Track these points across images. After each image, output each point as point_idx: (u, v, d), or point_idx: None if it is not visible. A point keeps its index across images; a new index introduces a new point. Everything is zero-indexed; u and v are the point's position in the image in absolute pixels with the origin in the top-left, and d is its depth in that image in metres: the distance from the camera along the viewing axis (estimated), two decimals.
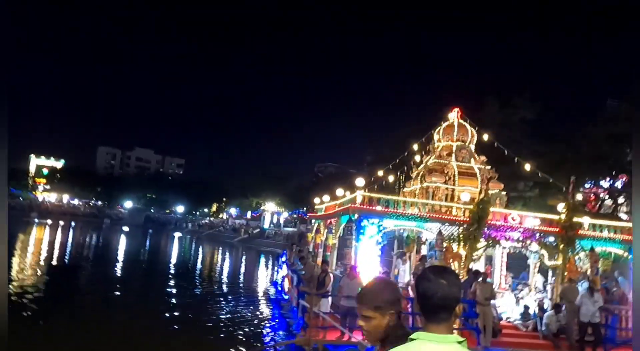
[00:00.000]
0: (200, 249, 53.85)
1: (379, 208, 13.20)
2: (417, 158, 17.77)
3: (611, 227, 14.51)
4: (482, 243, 13.36)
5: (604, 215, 28.65)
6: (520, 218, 13.85)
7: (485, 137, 17.72)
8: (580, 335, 12.04)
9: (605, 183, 34.65)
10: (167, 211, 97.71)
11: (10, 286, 17.70)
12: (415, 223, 13.44)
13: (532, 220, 13.96)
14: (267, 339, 14.11)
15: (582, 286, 12.86)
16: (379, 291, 2.15)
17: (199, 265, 37.04)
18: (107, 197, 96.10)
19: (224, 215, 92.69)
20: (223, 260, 46.24)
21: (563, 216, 13.58)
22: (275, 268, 27.28)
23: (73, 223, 70.05)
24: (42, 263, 27.69)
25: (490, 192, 14.25)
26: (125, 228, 70.23)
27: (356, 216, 13.04)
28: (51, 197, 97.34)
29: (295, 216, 73.14)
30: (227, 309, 18.24)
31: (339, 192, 15.41)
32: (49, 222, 67.28)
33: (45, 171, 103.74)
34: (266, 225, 73.34)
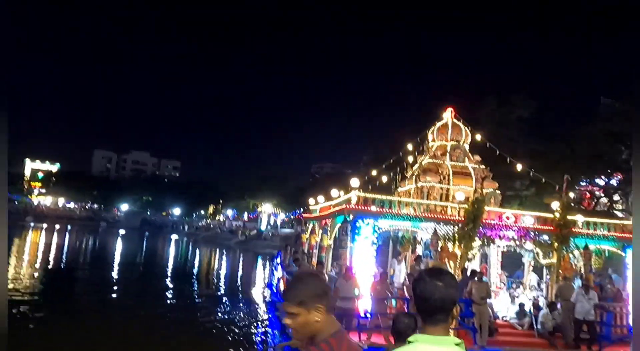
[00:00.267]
0: (197, 252, 53.74)
1: (373, 208, 13.18)
2: (412, 158, 17.78)
3: (605, 224, 14.56)
4: (477, 242, 13.37)
5: (599, 213, 28.78)
6: (515, 217, 13.87)
7: (480, 136, 17.75)
8: (575, 333, 12.06)
9: (600, 182, 34.81)
10: (164, 214, 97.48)
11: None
12: (410, 223, 13.43)
13: (527, 218, 13.98)
14: (263, 341, 14.10)
15: (576, 284, 12.91)
16: (303, 285, 2.02)
17: (195, 268, 36.95)
18: (103, 200, 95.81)
19: (221, 217, 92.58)
20: (220, 262, 46.16)
21: (557, 214, 13.62)
22: (271, 269, 27.21)
23: (69, 227, 69.81)
24: (37, 267, 27.53)
25: (484, 191, 14.27)
26: (122, 232, 70.00)
27: (351, 217, 13.01)
28: (47, 201, 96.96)
29: (292, 217, 73.10)
30: (224, 311, 18.23)
31: (334, 192, 15.39)
32: (45, 225, 67.02)
33: (40, 175, 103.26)
34: (263, 227, 73.27)
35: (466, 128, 16.99)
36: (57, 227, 66.93)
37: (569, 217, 13.65)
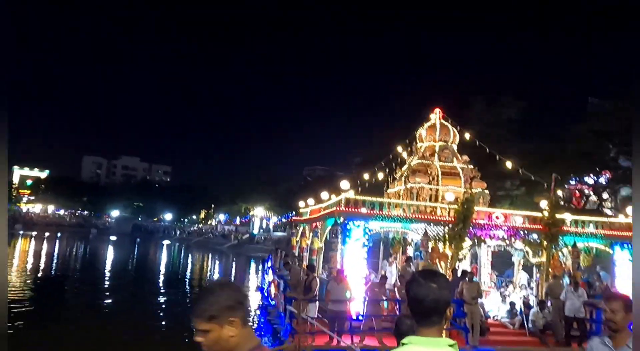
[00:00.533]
0: (190, 257, 53.43)
1: (364, 210, 13.18)
2: (399, 159, 17.86)
3: (593, 222, 14.70)
4: (467, 242, 13.42)
5: (589, 211, 29.06)
6: (504, 217, 13.95)
7: (472, 137, 17.87)
8: (566, 330, 12.13)
9: (589, 180, 35.17)
10: (155, 219, 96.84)
11: None
12: (400, 225, 13.45)
13: (517, 218, 14.06)
14: None
15: (565, 282, 13.01)
16: (213, 298, 1.82)
17: (188, 273, 36.72)
18: (93, 207, 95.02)
19: (213, 222, 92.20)
20: (212, 267, 45.93)
21: (546, 213, 13.72)
22: (261, 273, 27.21)
23: (59, 234, 69.05)
24: (27, 275, 27.19)
25: (473, 191, 14.33)
26: (113, 238, 69.43)
27: (342, 219, 13.01)
28: (36, 208, 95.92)
29: (284, 221, 72.97)
30: None
31: (324, 195, 15.38)
32: (34, 233, 66.22)
33: (29, 182, 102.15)
34: (255, 231, 73.10)
35: (454, 128, 17.10)
36: (47, 234, 66.20)
37: (558, 216, 13.76)
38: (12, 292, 20.01)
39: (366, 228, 13.04)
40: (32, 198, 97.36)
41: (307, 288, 12.27)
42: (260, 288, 20.42)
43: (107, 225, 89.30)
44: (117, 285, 26.64)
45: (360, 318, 12.29)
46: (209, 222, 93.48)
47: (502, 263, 17.68)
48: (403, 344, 1.81)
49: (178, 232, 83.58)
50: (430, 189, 15.43)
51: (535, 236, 13.78)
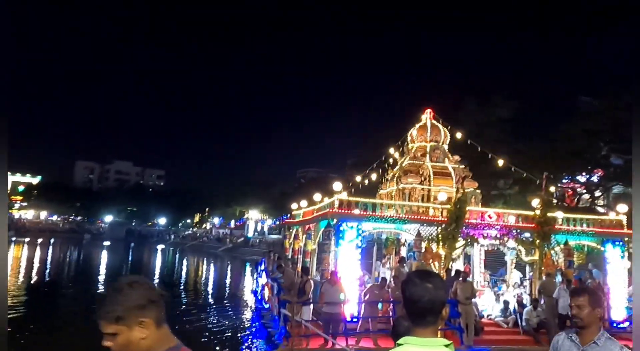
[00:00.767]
0: (184, 261, 53.23)
1: (357, 211, 13.17)
2: (392, 160, 17.89)
3: (584, 220, 14.78)
4: (460, 242, 13.44)
5: (581, 209, 29.24)
6: (497, 216, 13.99)
7: (461, 135, 17.93)
8: (559, 328, 12.16)
9: (582, 178, 35.40)
10: (149, 224, 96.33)
11: None
12: (394, 225, 13.45)
13: (510, 217, 14.12)
14: (249, 350, 13.96)
15: (558, 280, 13.08)
16: (119, 298, 1.68)
17: (182, 277, 36.57)
18: (86, 212, 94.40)
19: (207, 225, 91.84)
20: (207, 270, 45.76)
21: (538, 212, 13.78)
22: (255, 276, 27.21)
23: (52, 240, 68.53)
24: (20, 281, 26.95)
25: (465, 190, 14.38)
26: (107, 243, 68.99)
27: (335, 220, 12.98)
28: (28, 214, 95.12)
29: (279, 223, 72.89)
30: (209, 320, 18.05)
31: (317, 196, 15.37)
32: (27, 239, 65.63)
33: (21, 188, 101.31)
34: (250, 234, 72.91)
35: (445, 128, 17.15)
36: (40, 240, 65.63)
37: (549, 214, 13.82)
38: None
39: (359, 230, 13.02)
40: (25, 204, 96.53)
41: (301, 290, 12.24)
42: (253, 292, 20.37)
43: (101, 230, 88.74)
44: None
45: (355, 320, 12.26)
46: (204, 226, 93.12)
47: (495, 262, 17.75)
48: (399, 344, 1.81)
49: (172, 236, 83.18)
50: (422, 189, 15.45)
51: (527, 235, 13.84)
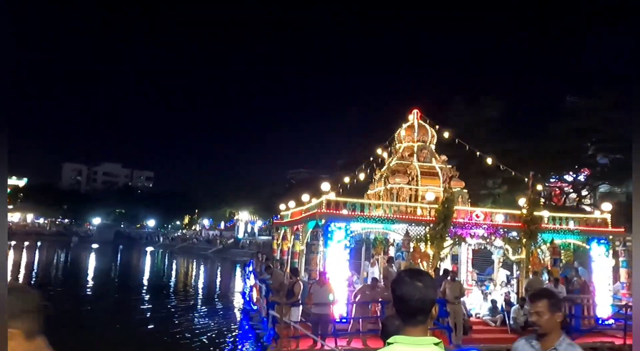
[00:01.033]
0: (174, 263, 52.89)
1: (345, 212, 13.16)
2: (380, 160, 17.94)
3: (570, 218, 14.93)
4: (448, 241, 13.49)
5: (569, 208, 29.58)
6: (484, 215, 14.07)
7: (448, 135, 18.02)
8: None
9: (569, 178, 35.81)
10: (138, 226, 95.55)
11: None
12: (382, 225, 13.46)
13: (499, 216, 14.21)
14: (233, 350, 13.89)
15: (544, 278, 13.20)
16: None
17: (172, 279, 36.30)
18: (74, 215, 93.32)
19: (197, 227, 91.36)
20: (197, 272, 45.48)
21: (524, 211, 13.89)
22: (243, 278, 27.18)
23: (39, 243, 67.67)
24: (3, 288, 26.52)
25: (453, 189, 14.44)
26: (95, 246, 68.29)
27: (323, 221, 12.95)
28: (14, 217, 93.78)
29: (269, 224, 72.71)
30: (197, 321, 17.95)
31: (305, 197, 15.34)
32: (13, 243, 64.65)
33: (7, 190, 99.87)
34: (240, 235, 72.65)
35: (432, 129, 17.24)
36: (26, 243, 64.68)
37: (536, 213, 13.93)
38: None
39: (348, 230, 13.01)
40: (11, 207, 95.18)
41: (290, 292, 12.18)
42: (242, 293, 20.27)
43: (89, 232, 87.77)
44: (98, 293, 26.23)
45: (344, 320, 12.24)
46: (193, 228, 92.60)
47: (482, 261, 17.86)
48: (389, 344, 1.81)
49: (162, 238, 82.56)
50: (410, 189, 15.50)
51: (514, 233, 13.93)
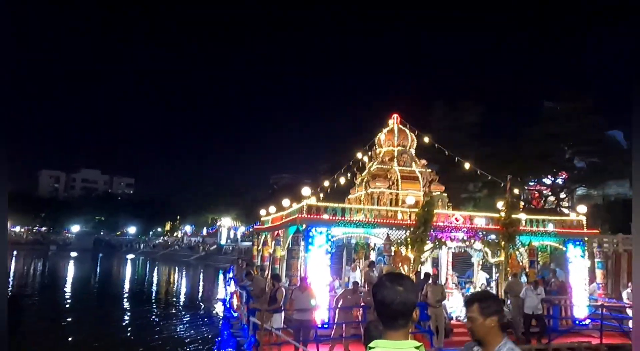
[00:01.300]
0: (155, 270, 52.14)
1: (326, 216, 13.13)
2: (361, 164, 18.01)
3: (547, 221, 15.17)
4: (429, 245, 13.56)
5: (548, 211, 30.09)
6: (463, 218, 14.20)
7: (428, 140, 18.19)
8: (525, 327, 12.41)
9: (547, 181, 36.48)
10: (118, 233, 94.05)
11: None
12: (363, 230, 13.46)
13: (478, 219, 14.35)
14: None
15: (523, 280, 13.37)
16: None
17: (153, 287, 35.75)
18: (52, 223, 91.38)
19: (179, 234, 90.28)
20: (179, 280, 44.90)
21: (502, 214, 14.06)
22: (224, 284, 26.99)
23: (15, 253, 65.95)
24: None
25: (433, 193, 14.55)
26: (74, 254, 66.94)
27: (304, 226, 12.89)
28: None
29: (252, 230, 72.21)
30: (177, 330, 17.72)
31: (286, 202, 15.28)
32: None
33: None
34: (223, 241, 72.06)
35: (412, 133, 17.39)
36: None
37: (514, 216, 14.12)
38: None
39: (329, 235, 12.97)
40: None
41: (273, 298, 12.07)
42: (222, 300, 20.08)
43: (67, 241, 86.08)
44: (77, 303, 25.67)
45: (326, 326, 12.17)
46: (175, 234, 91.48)
47: (462, 264, 18.03)
48: (370, 348, 1.80)
49: (143, 246, 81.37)
50: (391, 193, 15.57)
51: (493, 236, 14.09)
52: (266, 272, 16.19)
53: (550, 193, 36.43)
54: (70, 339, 15.66)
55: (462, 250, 14.85)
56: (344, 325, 11.75)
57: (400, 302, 1.82)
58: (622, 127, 43.20)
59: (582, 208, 15.89)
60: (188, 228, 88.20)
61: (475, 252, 14.90)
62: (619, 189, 35.72)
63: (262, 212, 18.59)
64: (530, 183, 36.73)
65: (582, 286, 14.49)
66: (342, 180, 18.27)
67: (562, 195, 36.08)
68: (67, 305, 24.95)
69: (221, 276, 43.11)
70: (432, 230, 13.45)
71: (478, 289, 15.08)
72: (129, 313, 22.55)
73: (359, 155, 18.25)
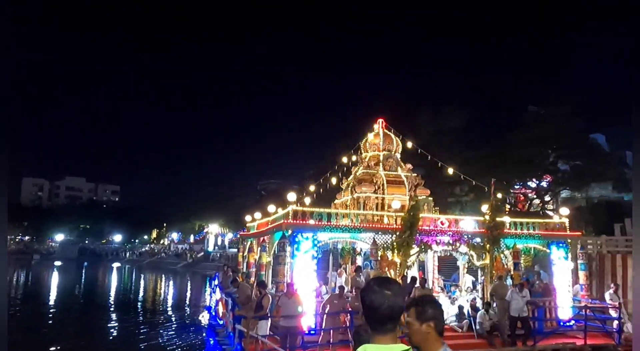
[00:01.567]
0: (142, 279, 51.48)
1: (312, 221, 13.09)
2: (346, 169, 18.05)
3: (530, 223, 15.34)
4: (415, 249, 13.59)
5: (533, 214, 30.41)
6: (448, 222, 14.28)
7: (417, 145, 18.30)
8: (511, 330, 12.48)
9: (532, 184, 36.90)
10: (103, 241, 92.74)
11: None
12: (349, 235, 13.46)
13: (464, 222, 14.43)
14: None
15: (508, 283, 13.47)
16: None
17: (139, 296, 35.25)
18: (35, 231, 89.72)
19: (166, 241, 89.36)
20: (165, 288, 44.38)
21: (487, 217, 14.17)
22: (210, 292, 26.76)
23: None
24: None
25: (418, 197, 14.61)
26: (58, 263, 65.81)
27: (289, 231, 12.84)
28: None
29: (239, 236, 71.73)
30: (163, 339, 17.49)
31: (271, 208, 15.21)
32: None
33: None
34: (211, 248, 71.47)
35: (397, 138, 17.48)
36: None
37: (498, 219, 14.23)
38: None
39: (315, 240, 12.93)
40: None
41: (259, 305, 11.96)
42: (207, 307, 19.88)
43: (51, 250, 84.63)
44: (61, 313, 25.21)
45: (313, 332, 12.10)
46: (162, 242, 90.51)
47: (448, 267, 18.10)
48: None
49: (128, 254, 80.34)
50: (377, 198, 15.60)
51: (478, 239, 14.18)
52: (252, 279, 16.07)
53: (535, 196, 36.83)
54: (52, 349, 15.36)
55: (448, 254, 14.91)
56: (331, 330, 11.69)
57: (388, 306, 1.84)
58: (604, 130, 44.16)
59: (565, 211, 16.10)
60: (175, 236, 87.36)
61: (461, 255, 14.98)
62: (601, 191, 36.29)
63: (248, 217, 18.47)
64: (516, 187, 37.12)
65: (566, 287, 14.65)
66: (328, 185, 18.25)
67: (547, 198, 36.50)
68: (51, 315, 24.50)
69: (208, 284, 42.76)
70: (418, 234, 13.49)
71: (464, 292, 15.16)
72: (114, 322, 22.22)
73: (344, 159, 18.27)
